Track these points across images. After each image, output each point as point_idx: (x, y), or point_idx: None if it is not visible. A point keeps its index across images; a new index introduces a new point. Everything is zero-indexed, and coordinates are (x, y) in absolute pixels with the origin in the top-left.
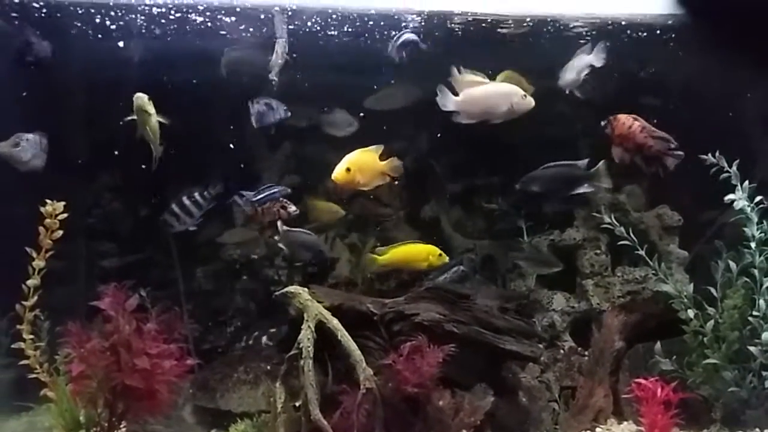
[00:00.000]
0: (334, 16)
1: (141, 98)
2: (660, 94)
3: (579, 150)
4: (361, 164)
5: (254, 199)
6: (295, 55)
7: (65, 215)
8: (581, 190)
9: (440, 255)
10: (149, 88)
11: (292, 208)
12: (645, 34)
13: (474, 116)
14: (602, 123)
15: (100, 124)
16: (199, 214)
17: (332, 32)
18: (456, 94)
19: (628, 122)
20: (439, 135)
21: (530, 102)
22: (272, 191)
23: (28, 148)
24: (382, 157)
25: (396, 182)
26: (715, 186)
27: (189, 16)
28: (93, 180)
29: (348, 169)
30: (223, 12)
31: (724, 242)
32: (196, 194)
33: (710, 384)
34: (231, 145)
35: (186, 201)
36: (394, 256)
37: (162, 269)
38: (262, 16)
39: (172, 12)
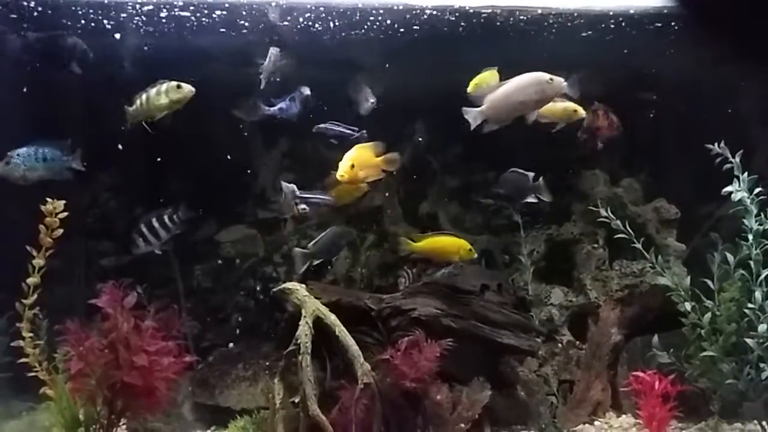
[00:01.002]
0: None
1: (191, 93)
2: (659, 87)
3: (575, 144)
4: (362, 160)
5: (299, 194)
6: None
7: (65, 214)
8: (530, 199)
9: (470, 250)
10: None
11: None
12: (655, 26)
13: (505, 118)
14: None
15: (97, 123)
16: (167, 237)
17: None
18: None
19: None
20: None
21: (559, 84)
22: (319, 198)
23: (20, 163)
24: (379, 153)
25: (387, 194)
26: (713, 178)
27: (179, 13)
28: (91, 179)
29: (352, 166)
30: (206, 8)
31: (722, 235)
32: (166, 217)
33: (708, 376)
34: (234, 130)
35: (155, 223)
36: (428, 244)
37: (160, 267)
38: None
39: (164, 9)
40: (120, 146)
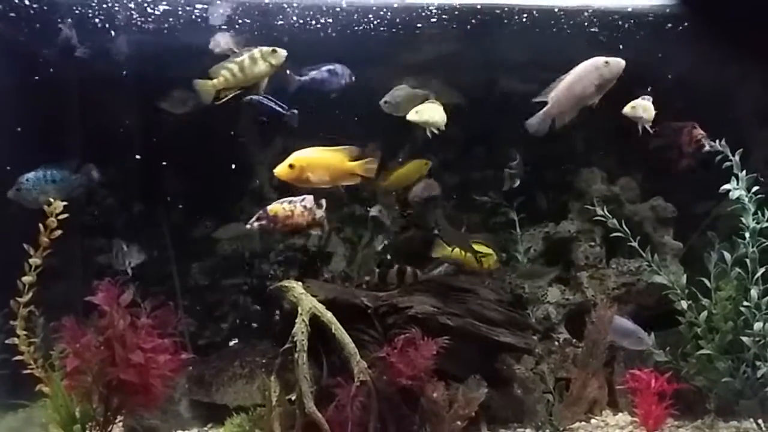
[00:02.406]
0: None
1: (285, 55)
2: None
3: (573, 142)
4: (312, 161)
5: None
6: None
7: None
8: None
9: (496, 259)
10: (144, 82)
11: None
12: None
13: (570, 113)
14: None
15: (94, 120)
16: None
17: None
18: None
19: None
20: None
21: (617, 64)
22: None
23: (30, 188)
24: (354, 158)
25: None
26: (709, 176)
27: (170, 8)
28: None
29: (291, 166)
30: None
31: (719, 233)
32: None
33: (704, 375)
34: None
35: (125, 248)
36: (460, 251)
37: (158, 265)
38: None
39: (161, 4)
40: (117, 144)
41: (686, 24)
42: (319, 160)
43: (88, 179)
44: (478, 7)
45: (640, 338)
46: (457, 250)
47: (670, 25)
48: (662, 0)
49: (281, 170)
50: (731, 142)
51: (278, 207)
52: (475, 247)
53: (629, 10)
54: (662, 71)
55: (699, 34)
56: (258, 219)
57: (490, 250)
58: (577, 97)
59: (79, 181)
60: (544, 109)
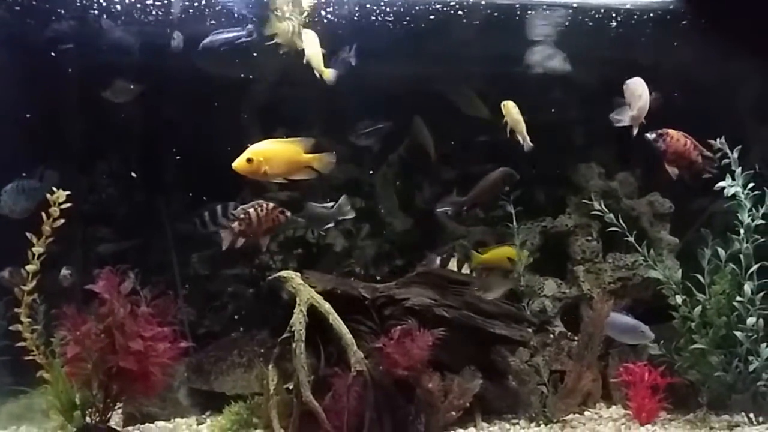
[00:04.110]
0: None
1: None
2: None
3: (573, 136)
4: (269, 154)
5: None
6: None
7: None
8: (330, 225)
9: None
10: (143, 73)
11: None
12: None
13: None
14: (650, 136)
15: (97, 110)
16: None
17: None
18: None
19: (681, 140)
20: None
21: None
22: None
23: (7, 200)
24: (309, 150)
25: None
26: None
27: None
28: (90, 166)
29: (249, 160)
30: None
31: (715, 229)
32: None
33: (697, 369)
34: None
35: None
36: (491, 256)
37: (158, 254)
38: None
39: None
40: (117, 134)
41: (687, 21)
42: (276, 153)
43: (52, 185)
44: (483, 2)
45: (642, 332)
46: (486, 257)
47: (671, 21)
48: None
49: (239, 164)
50: (729, 139)
51: None
52: (501, 250)
53: (628, 6)
54: (663, 68)
55: (700, 31)
56: None
57: (513, 251)
58: (641, 115)
59: (45, 188)
60: (633, 113)
